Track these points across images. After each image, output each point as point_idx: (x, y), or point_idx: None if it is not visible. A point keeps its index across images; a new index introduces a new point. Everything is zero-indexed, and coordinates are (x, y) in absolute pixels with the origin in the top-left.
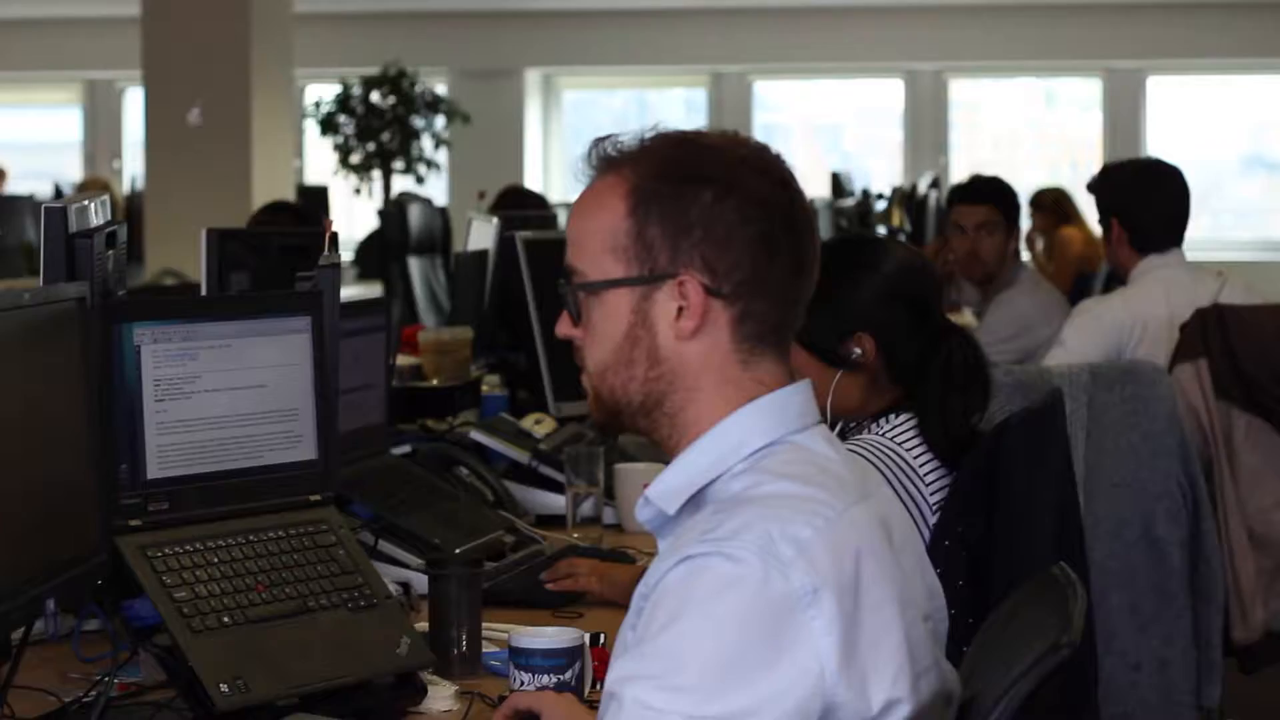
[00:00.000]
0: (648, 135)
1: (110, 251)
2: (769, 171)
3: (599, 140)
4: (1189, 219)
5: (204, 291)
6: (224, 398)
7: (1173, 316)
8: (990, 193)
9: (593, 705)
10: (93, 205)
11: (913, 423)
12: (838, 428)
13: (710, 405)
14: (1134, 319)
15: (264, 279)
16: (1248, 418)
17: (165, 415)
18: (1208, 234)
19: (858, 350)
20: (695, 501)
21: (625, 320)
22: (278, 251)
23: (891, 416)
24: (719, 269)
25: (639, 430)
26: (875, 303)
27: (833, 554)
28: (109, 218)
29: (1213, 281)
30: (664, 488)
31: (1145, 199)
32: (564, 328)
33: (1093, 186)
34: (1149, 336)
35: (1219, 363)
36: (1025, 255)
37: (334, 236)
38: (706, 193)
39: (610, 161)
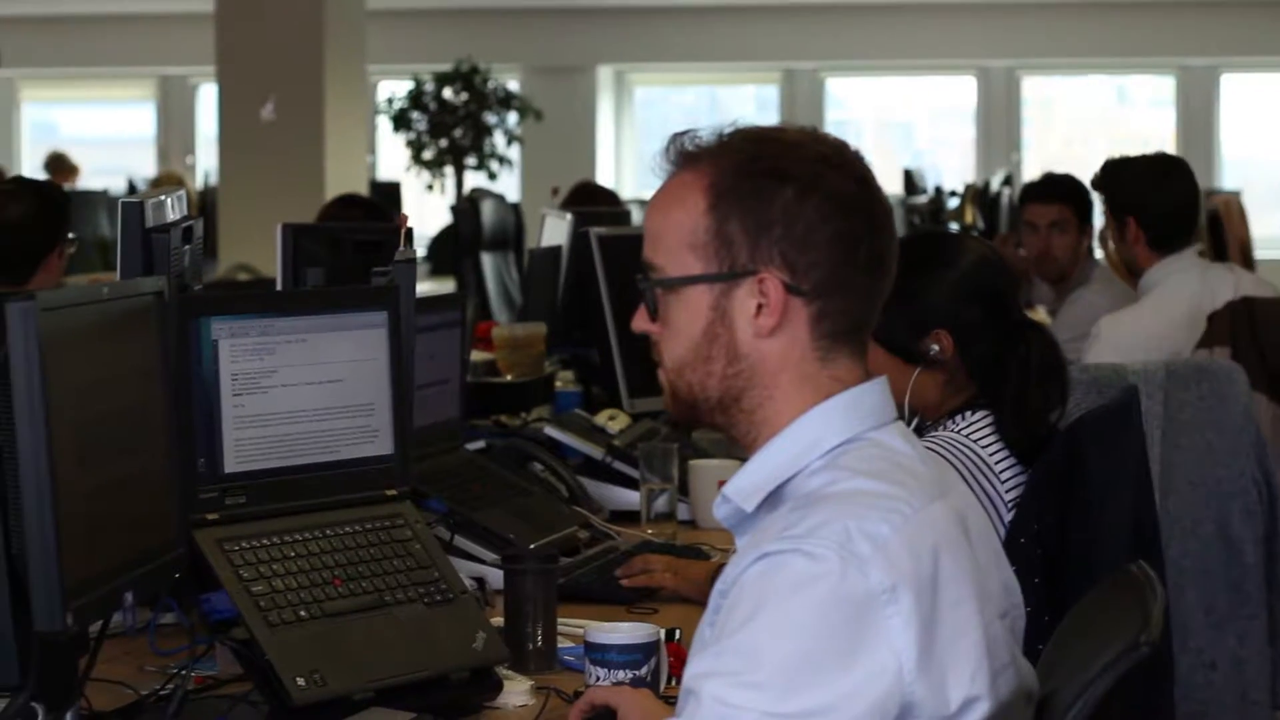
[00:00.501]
0: (726, 131)
1: (186, 246)
2: (849, 169)
3: (677, 135)
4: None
5: (279, 286)
6: (301, 392)
7: (1197, 320)
8: (1063, 191)
9: (668, 701)
10: (169, 200)
11: (989, 420)
12: (913, 425)
13: (787, 402)
14: (1166, 327)
15: (339, 274)
16: (1274, 410)
17: (242, 410)
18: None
19: (935, 347)
20: (773, 499)
21: (704, 317)
22: (352, 247)
23: (968, 414)
24: (799, 266)
25: (716, 426)
26: (952, 299)
27: (910, 551)
28: (185, 213)
29: (1230, 276)
30: (742, 485)
31: (1161, 195)
32: (641, 323)
33: (1100, 184)
34: (1181, 342)
35: (1245, 355)
36: (1098, 253)
37: (409, 232)
38: (788, 189)
39: (689, 157)
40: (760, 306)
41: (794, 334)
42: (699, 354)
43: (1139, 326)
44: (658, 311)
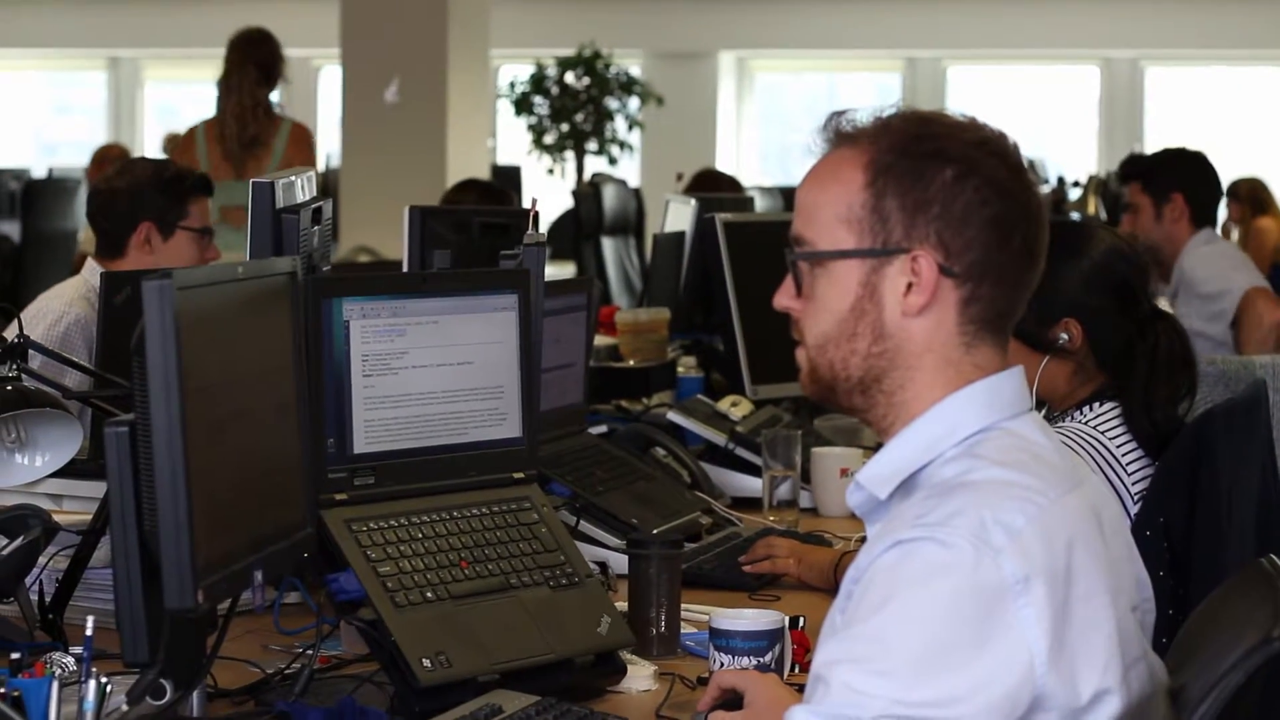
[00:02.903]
0: (886, 111)
1: (315, 227)
2: (1007, 156)
3: (835, 114)
4: None
5: (405, 268)
6: (431, 374)
7: None
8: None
9: (792, 688)
10: (299, 181)
11: (1116, 411)
12: (1041, 414)
13: (927, 386)
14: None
15: (465, 257)
16: None
17: (373, 390)
18: None
19: (1064, 336)
20: (906, 486)
21: (852, 293)
22: (479, 229)
23: (1096, 404)
24: (953, 248)
25: (852, 408)
26: (1083, 288)
27: (1045, 542)
28: (314, 194)
29: None
30: (876, 472)
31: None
32: (784, 299)
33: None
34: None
35: None
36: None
37: (537, 215)
38: (948, 171)
39: (847, 135)
40: (911, 285)
41: (941, 316)
42: (844, 330)
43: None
44: (802, 287)
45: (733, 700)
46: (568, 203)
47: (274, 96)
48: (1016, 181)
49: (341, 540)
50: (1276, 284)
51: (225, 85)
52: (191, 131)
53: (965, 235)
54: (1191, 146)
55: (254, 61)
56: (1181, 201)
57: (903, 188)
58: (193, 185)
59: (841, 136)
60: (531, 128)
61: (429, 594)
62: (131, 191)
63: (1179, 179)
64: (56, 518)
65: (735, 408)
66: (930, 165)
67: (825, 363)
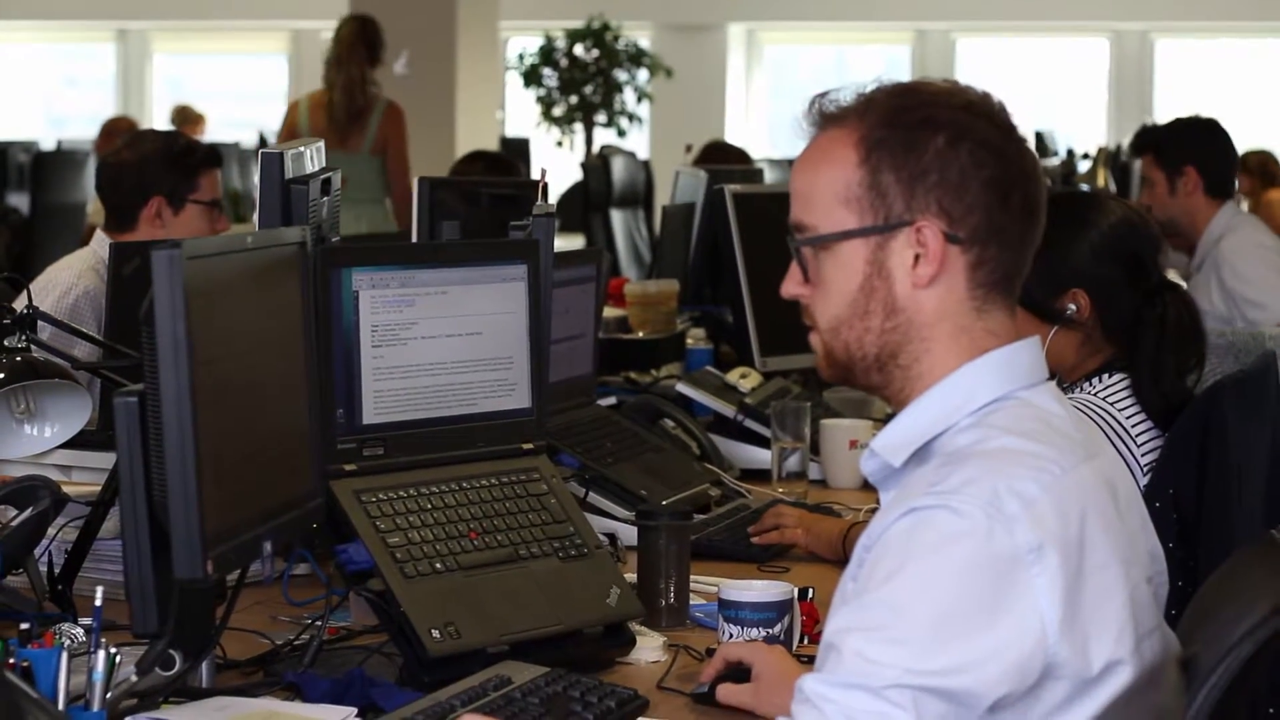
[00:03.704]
0: (869, 87)
1: (324, 198)
2: (996, 117)
3: (818, 96)
4: None
5: (414, 239)
6: (440, 345)
7: None
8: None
9: (800, 660)
10: (308, 152)
11: (1126, 382)
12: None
13: (943, 356)
14: None
15: (474, 228)
16: None
17: (382, 361)
18: None
19: (1072, 306)
20: (921, 454)
21: (860, 271)
22: (488, 201)
23: (1105, 376)
24: (955, 214)
25: (870, 386)
26: (1091, 258)
27: (1058, 511)
28: (322, 165)
29: None
30: (890, 440)
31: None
32: (791, 286)
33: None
34: None
35: None
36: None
37: (546, 187)
38: (939, 137)
39: (833, 116)
40: (918, 257)
41: (951, 284)
42: (856, 310)
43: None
44: (808, 273)
45: (738, 672)
46: (577, 175)
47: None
48: (1008, 141)
49: (350, 511)
50: None
51: (335, 61)
52: (295, 104)
53: (965, 200)
54: (1204, 115)
55: (364, 42)
56: (1194, 174)
57: (897, 160)
58: (202, 158)
59: (827, 117)
60: (540, 100)
61: (438, 565)
62: (141, 165)
63: (1190, 151)
64: (66, 489)
65: (744, 379)
66: (921, 134)
67: (840, 344)
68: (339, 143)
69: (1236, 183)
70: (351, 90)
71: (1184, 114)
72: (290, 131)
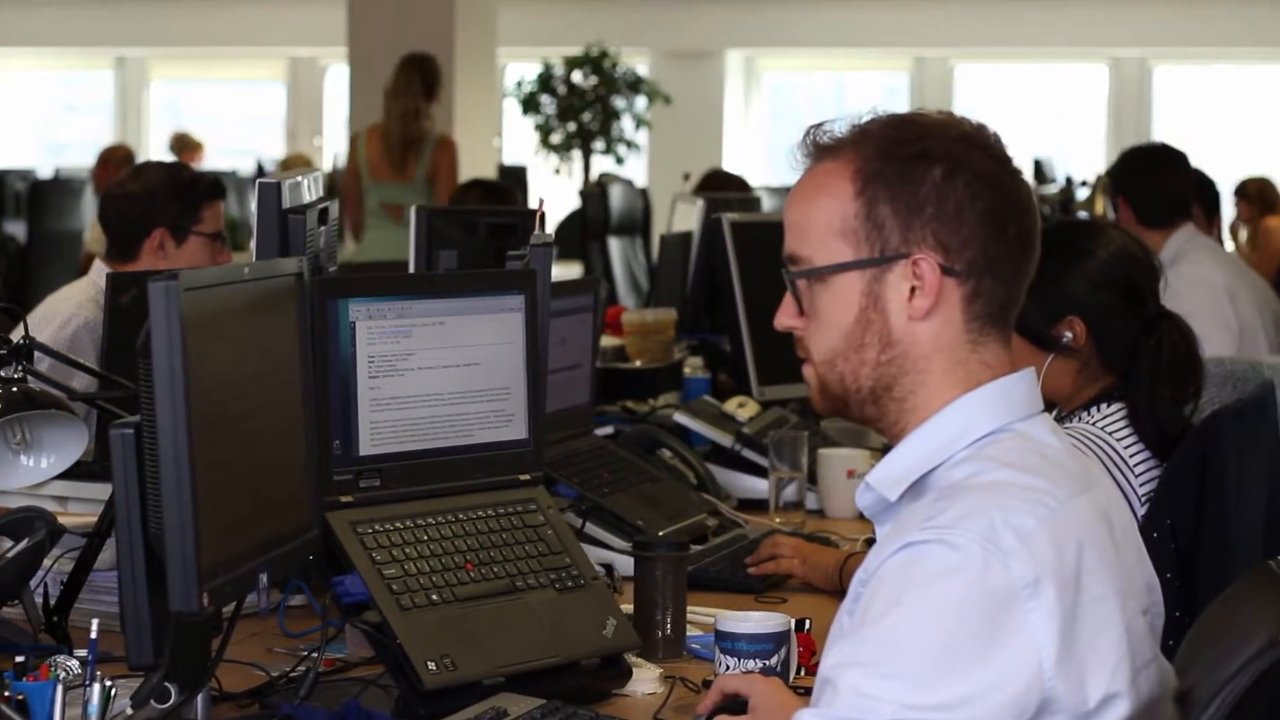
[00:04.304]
0: (864, 119)
1: (322, 228)
2: (991, 148)
3: (814, 127)
4: None
5: (412, 269)
6: (437, 375)
7: None
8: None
9: (797, 691)
10: (305, 181)
11: (1123, 412)
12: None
13: (938, 388)
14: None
15: (471, 257)
16: None
17: (378, 392)
18: None
19: (1068, 334)
20: (916, 488)
21: (856, 304)
22: (486, 230)
23: (1102, 405)
24: (951, 247)
25: (864, 419)
26: (1088, 287)
27: (1054, 545)
28: (321, 194)
29: None
30: (886, 474)
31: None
32: (785, 319)
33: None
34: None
35: None
36: (1229, 245)
37: (544, 216)
38: (936, 170)
39: (828, 148)
40: (914, 289)
41: (947, 316)
42: (852, 343)
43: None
44: (803, 305)
45: (735, 704)
46: (575, 202)
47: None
48: (1004, 172)
49: (347, 542)
50: None
51: (393, 93)
52: (355, 137)
53: (962, 232)
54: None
55: (420, 76)
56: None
57: (894, 192)
58: (206, 190)
59: (822, 149)
60: (538, 127)
61: (434, 596)
62: (145, 197)
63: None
64: (62, 520)
65: (742, 409)
66: (918, 166)
67: (836, 377)
68: (396, 170)
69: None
70: (407, 121)
71: (1183, 141)
72: (353, 162)
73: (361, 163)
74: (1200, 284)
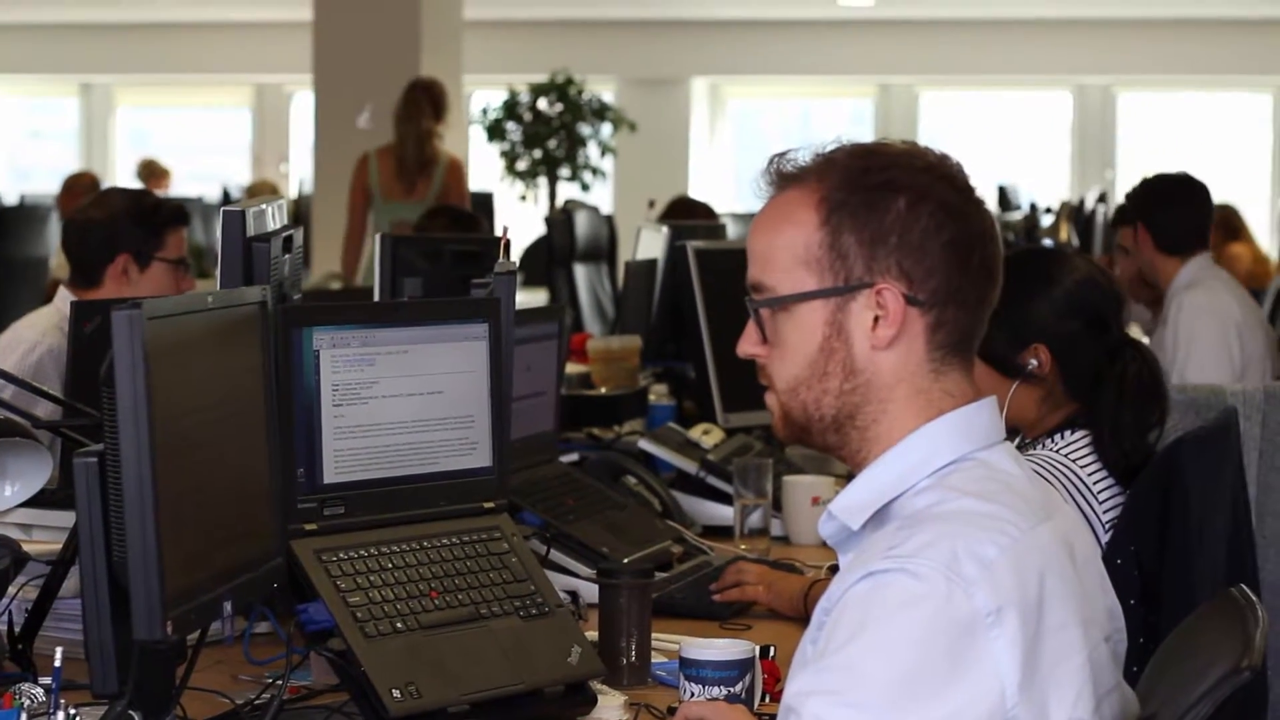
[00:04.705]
0: (828, 148)
1: (286, 255)
2: (955, 179)
3: (777, 156)
4: None
5: (376, 296)
6: (401, 403)
7: None
8: (1123, 214)
9: (761, 718)
10: (269, 209)
11: (1087, 440)
12: (1015, 443)
13: (900, 418)
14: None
15: (436, 285)
16: None
17: (343, 420)
18: None
19: (1033, 361)
20: (879, 517)
21: (819, 333)
22: (450, 258)
23: (1066, 433)
24: (915, 276)
25: (826, 447)
26: (1053, 315)
27: (1017, 573)
28: (285, 222)
29: None
30: (848, 502)
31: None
32: (748, 346)
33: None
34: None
35: None
36: None
37: (508, 244)
38: (900, 200)
39: (792, 176)
40: (877, 319)
41: (910, 345)
42: (815, 371)
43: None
44: (767, 333)
45: None
46: (540, 229)
47: None
48: (968, 202)
49: (311, 570)
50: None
51: (405, 116)
52: (365, 157)
53: (926, 263)
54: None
55: (429, 99)
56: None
57: (858, 222)
58: (169, 216)
59: (785, 178)
60: (504, 154)
61: (399, 624)
62: (109, 223)
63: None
64: (26, 547)
65: (707, 436)
66: (882, 196)
67: (798, 405)
68: (408, 190)
69: (1206, 238)
70: (420, 143)
71: (1145, 167)
72: (361, 183)
73: (374, 183)
74: (1210, 312)
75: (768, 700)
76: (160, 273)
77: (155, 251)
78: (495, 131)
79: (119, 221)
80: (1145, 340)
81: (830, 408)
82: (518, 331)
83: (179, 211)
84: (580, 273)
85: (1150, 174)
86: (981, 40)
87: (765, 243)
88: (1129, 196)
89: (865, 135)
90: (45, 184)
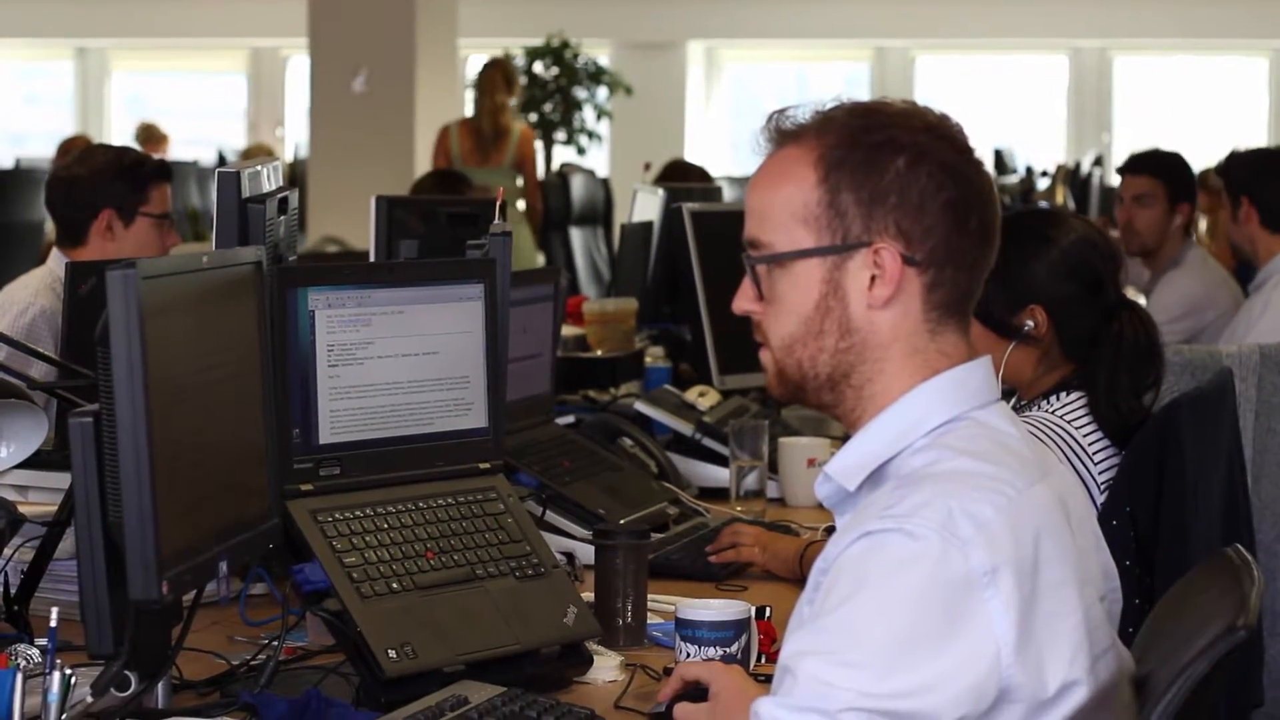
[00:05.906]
0: (828, 106)
1: (281, 217)
2: (955, 139)
3: (776, 113)
4: None
5: (372, 258)
6: (396, 364)
7: None
8: (1153, 165)
9: (758, 678)
10: (265, 171)
11: (1083, 401)
12: (1011, 404)
13: (896, 377)
14: None
15: (431, 247)
16: None
17: (338, 381)
18: None
19: (1030, 323)
20: (875, 477)
21: (816, 291)
22: (445, 220)
23: (1062, 394)
24: (913, 236)
25: (821, 405)
26: (1050, 276)
27: (1013, 533)
28: (280, 184)
29: None
30: (845, 463)
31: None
32: (743, 303)
33: (1228, 166)
34: None
35: None
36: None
37: (503, 205)
38: (900, 159)
39: (791, 134)
40: (874, 278)
41: (906, 305)
42: (810, 329)
43: None
44: (763, 290)
45: (696, 692)
46: None
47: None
48: (967, 163)
49: (307, 531)
50: (1244, 278)
51: (481, 89)
52: (446, 129)
53: (924, 223)
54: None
55: (502, 75)
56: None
57: (857, 181)
58: (152, 171)
59: (784, 135)
60: None
61: (394, 585)
62: (92, 179)
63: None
64: (22, 509)
65: (703, 398)
66: (882, 155)
67: (793, 363)
68: (485, 158)
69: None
70: (496, 115)
71: (1142, 132)
72: (444, 151)
73: (454, 153)
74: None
75: (763, 661)
76: (145, 228)
77: (140, 206)
78: None
79: (102, 177)
80: (1141, 300)
81: (825, 366)
82: (514, 293)
83: (162, 167)
84: (576, 236)
85: (1250, 146)
86: (977, 3)
87: (763, 199)
88: (1232, 165)
89: (862, 98)
90: (41, 148)
